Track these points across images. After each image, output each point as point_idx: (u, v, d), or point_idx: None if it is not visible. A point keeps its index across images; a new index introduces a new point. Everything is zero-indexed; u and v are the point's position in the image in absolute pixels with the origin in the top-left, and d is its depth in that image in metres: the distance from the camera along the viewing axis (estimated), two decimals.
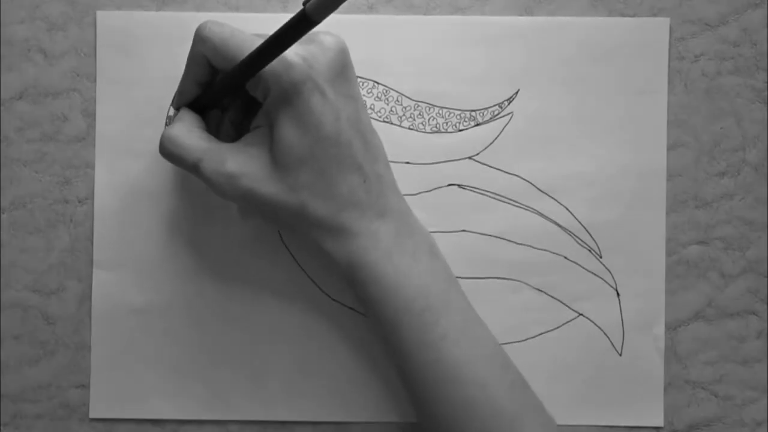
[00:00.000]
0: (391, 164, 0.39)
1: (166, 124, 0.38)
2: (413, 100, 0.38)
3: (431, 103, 0.38)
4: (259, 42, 0.30)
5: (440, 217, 0.39)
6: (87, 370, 0.39)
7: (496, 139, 0.39)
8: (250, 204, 0.33)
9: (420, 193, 0.39)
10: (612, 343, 0.39)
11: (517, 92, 0.39)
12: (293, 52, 0.31)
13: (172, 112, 0.38)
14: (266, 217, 0.35)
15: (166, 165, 0.38)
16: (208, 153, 0.32)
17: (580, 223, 0.39)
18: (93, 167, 0.39)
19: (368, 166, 0.33)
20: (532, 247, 0.39)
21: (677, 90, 0.39)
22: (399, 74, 0.38)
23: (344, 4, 0.38)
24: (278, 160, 0.32)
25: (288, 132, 0.31)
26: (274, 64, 0.31)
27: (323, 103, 0.31)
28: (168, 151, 0.33)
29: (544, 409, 0.35)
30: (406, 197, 0.38)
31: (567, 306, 0.39)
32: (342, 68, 0.32)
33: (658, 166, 0.39)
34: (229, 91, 0.33)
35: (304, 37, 0.29)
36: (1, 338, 0.39)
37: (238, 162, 0.32)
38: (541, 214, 0.39)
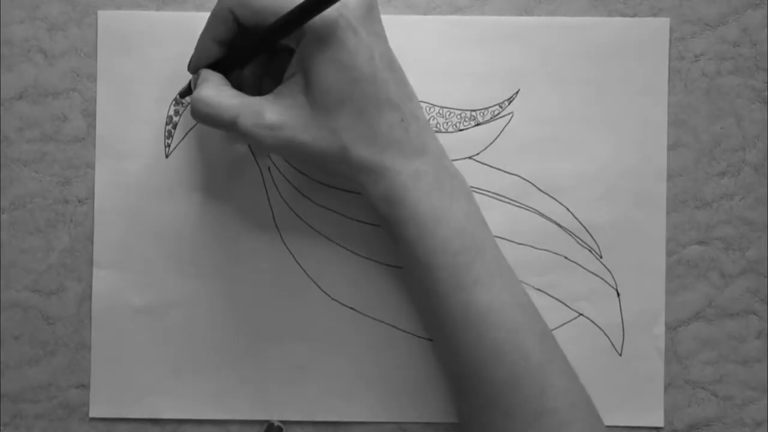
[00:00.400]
0: None
1: (186, 93, 0.37)
2: None
3: (431, 102, 0.38)
4: None
5: None
6: (87, 370, 0.39)
7: (496, 139, 0.39)
8: (292, 154, 0.33)
9: None
10: (612, 343, 0.39)
11: (517, 92, 0.39)
12: None
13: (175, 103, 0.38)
14: (307, 164, 0.34)
15: (166, 165, 0.38)
16: (244, 108, 0.32)
17: (580, 223, 0.39)
18: (93, 167, 0.39)
19: (404, 104, 0.33)
20: (532, 247, 0.39)
21: (677, 90, 0.39)
22: None
23: None
24: (317, 105, 0.32)
25: (325, 74, 0.31)
26: None
27: (357, 42, 0.31)
28: (202, 113, 0.33)
29: (569, 363, 0.34)
30: None
31: (567, 306, 0.39)
32: (370, 7, 0.32)
33: (658, 166, 0.39)
34: (264, 48, 0.33)
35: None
36: (1, 338, 0.39)
37: (277, 112, 0.32)
38: (542, 214, 0.39)
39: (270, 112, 0.32)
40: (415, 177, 0.33)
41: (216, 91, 0.33)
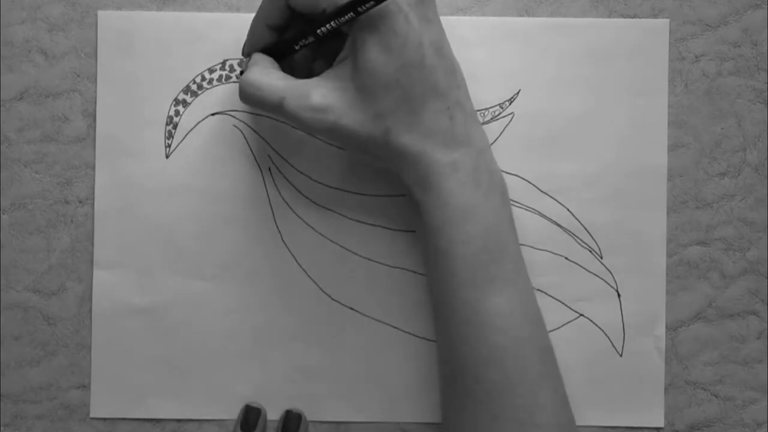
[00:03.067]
0: None
1: (238, 76, 0.38)
2: None
3: None
4: None
5: None
6: (87, 370, 0.39)
7: (497, 139, 0.39)
8: (335, 136, 0.33)
9: None
10: (612, 344, 0.39)
11: (518, 92, 0.39)
12: None
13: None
14: (350, 148, 0.34)
15: (166, 165, 0.38)
16: (290, 90, 0.33)
17: (580, 223, 0.39)
18: (93, 167, 0.39)
19: (452, 93, 0.33)
20: (533, 247, 0.39)
21: (678, 90, 0.39)
22: None
23: None
24: (363, 88, 0.32)
25: (373, 57, 0.31)
26: None
27: (407, 28, 0.31)
28: (249, 94, 0.33)
29: (564, 386, 0.34)
30: (406, 197, 0.38)
31: (568, 306, 0.39)
32: None
33: (659, 167, 0.39)
34: (316, 33, 0.33)
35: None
36: (1, 338, 0.39)
37: (322, 95, 0.32)
38: (542, 214, 0.39)
39: (316, 95, 0.32)
40: (452, 167, 0.33)
41: (263, 74, 0.33)
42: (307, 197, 0.39)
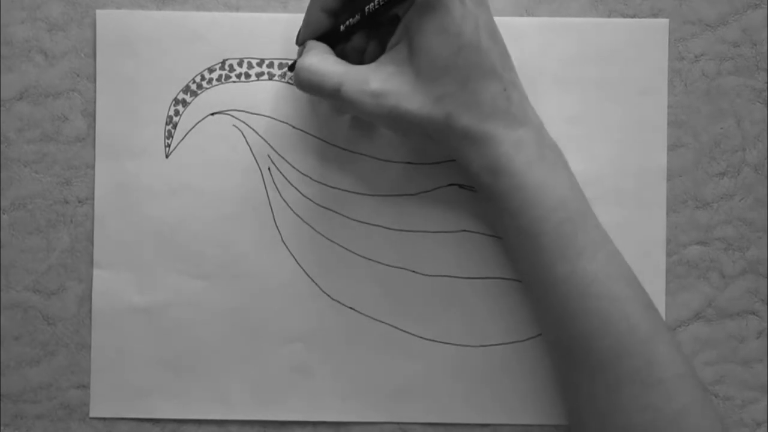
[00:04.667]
0: (392, 164, 0.39)
1: (294, 67, 0.38)
2: None
3: None
4: None
5: (440, 217, 0.39)
6: (87, 370, 0.39)
7: None
8: (395, 121, 0.33)
9: (420, 193, 0.39)
10: None
11: None
12: None
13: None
14: (409, 133, 0.34)
15: (166, 165, 0.38)
16: (348, 75, 0.33)
17: None
18: (93, 167, 0.39)
19: (507, 74, 0.33)
20: None
21: (677, 90, 0.39)
22: None
23: None
24: (421, 72, 0.32)
25: (430, 41, 0.32)
26: None
27: (463, 11, 0.31)
28: (306, 80, 0.33)
29: (673, 334, 0.34)
30: (406, 197, 0.38)
31: None
32: None
33: (658, 166, 0.39)
34: (372, 19, 0.33)
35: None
36: (1, 338, 0.39)
37: (381, 80, 0.32)
38: None
39: (374, 80, 0.32)
40: (517, 146, 0.33)
41: (320, 59, 0.33)
42: (307, 197, 0.39)
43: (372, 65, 0.33)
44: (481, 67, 0.32)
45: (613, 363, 0.32)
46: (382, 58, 0.33)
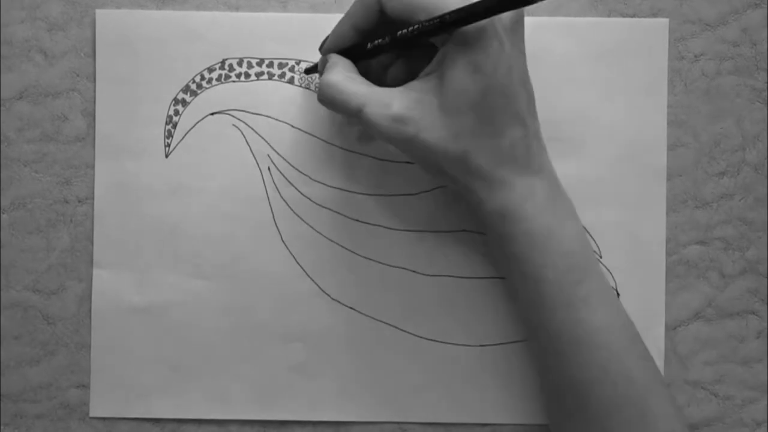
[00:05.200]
0: (392, 164, 0.39)
1: (311, 71, 0.38)
2: None
3: None
4: None
5: (440, 217, 0.39)
6: (87, 370, 0.39)
7: None
8: (412, 150, 0.33)
9: (420, 193, 0.39)
10: None
11: None
12: None
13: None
14: (424, 163, 0.34)
15: (166, 165, 0.38)
16: (372, 97, 0.32)
17: None
18: (93, 167, 0.39)
19: (530, 122, 0.33)
20: None
21: (677, 90, 0.39)
22: None
23: (344, 4, 0.39)
24: (446, 105, 0.32)
25: (463, 75, 0.31)
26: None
27: (500, 52, 0.31)
28: (330, 97, 0.33)
29: (668, 387, 0.35)
30: (406, 197, 0.38)
31: None
32: (519, 22, 0.32)
33: (658, 166, 0.39)
34: (405, 44, 0.33)
35: None
36: (1, 338, 0.39)
37: (404, 106, 0.32)
38: None
39: (398, 105, 0.32)
40: (530, 193, 0.33)
41: (345, 77, 0.33)
42: (306, 197, 0.39)
43: (398, 89, 0.33)
44: (506, 111, 0.32)
45: (608, 413, 0.32)
46: (411, 84, 0.33)
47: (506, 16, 0.31)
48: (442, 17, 0.31)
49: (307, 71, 0.38)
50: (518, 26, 0.32)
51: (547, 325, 0.33)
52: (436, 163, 0.33)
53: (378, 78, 0.35)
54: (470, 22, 0.30)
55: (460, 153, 0.32)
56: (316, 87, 0.38)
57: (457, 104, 0.32)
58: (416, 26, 0.32)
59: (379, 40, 0.33)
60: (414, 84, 0.33)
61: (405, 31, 0.32)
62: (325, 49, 0.35)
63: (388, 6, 0.32)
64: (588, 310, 0.33)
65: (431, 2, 0.31)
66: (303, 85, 0.39)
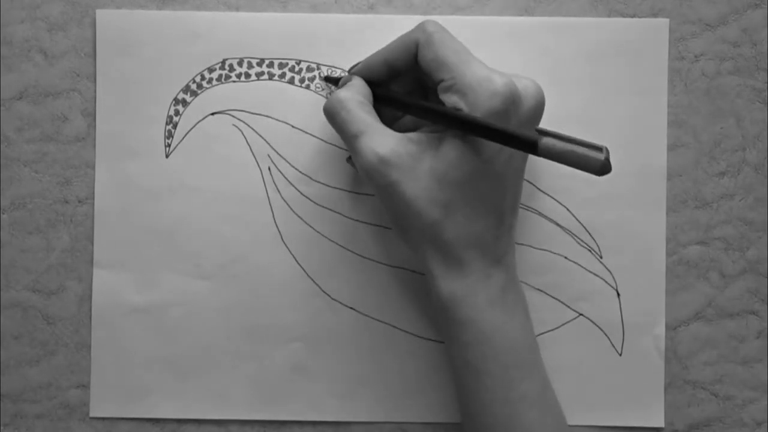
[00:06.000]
0: None
1: (330, 80, 0.38)
2: None
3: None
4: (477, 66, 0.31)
5: None
6: (87, 370, 0.39)
7: None
8: (387, 197, 0.32)
9: None
10: (612, 344, 0.39)
11: None
12: (503, 83, 0.30)
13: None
14: (392, 214, 0.34)
15: (166, 165, 0.38)
16: (371, 129, 0.32)
17: (580, 223, 0.39)
18: (93, 167, 0.39)
19: (507, 217, 0.33)
20: (532, 247, 0.39)
21: (677, 90, 0.39)
22: None
23: (344, 4, 0.39)
24: (436, 171, 0.32)
25: (461, 152, 0.31)
26: (483, 85, 0.30)
27: (502, 146, 0.31)
28: (334, 111, 0.33)
29: None
30: None
31: (567, 306, 0.39)
32: (535, 119, 0.32)
33: (658, 166, 0.39)
34: (423, 115, 0.33)
35: (511, 72, 0.31)
36: (1, 338, 0.39)
37: (397, 153, 0.32)
38: (541, 214, 0.39)
39: (391, 147, 0.32)
40: (485, 282, 0.33)
41: (357, 99, 0.33)
42: (307, 197, 0.39)
43: (398, 134, 0.33)
44: (491, 200, 0.32)
45: None
46: (411, 135, 0.33)
47: (522, 110, 0.31)
48: (463, 116, 0.31)
49: (327, 79, 0.38)
50: (536, 118, 0.32)
51: (481, 414, 0.33)
52: (405, 219, 0.33)
53: (388, 121, 0.35)
54: (486, 137, 0.30)
55: (432, 221, 0.32)
56: (316, 88, 0.38)
57: (445, 175, 0.31)
58: (435, 106, 0.32)
59: (399, 92, 0.34)
60: (414, 136, 0.33)
61: (423, 103, 0.33)
62: (354, 71, 0.35)
63: (422, 51, 0.32)
64: (524, 407, 0.33)
65: (457, 70, 0.31)
66: (303, 85, 0.39)
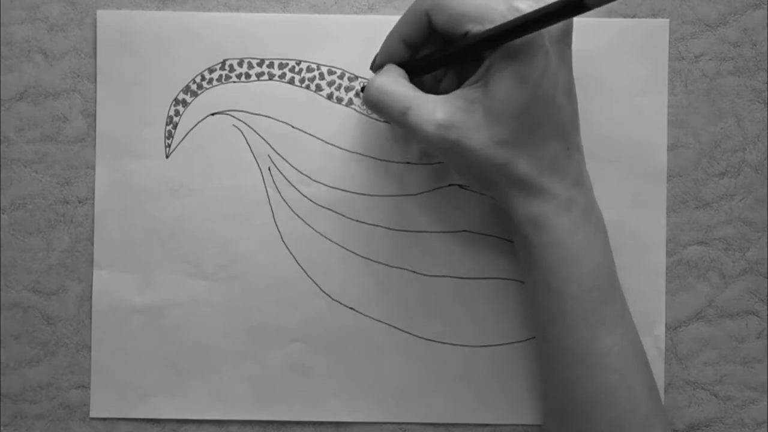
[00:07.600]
0: (392, 164, 0.39)
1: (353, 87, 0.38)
2: None
3: None
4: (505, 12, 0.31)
5: (440, 217, 0.39)
6: (87, 370, 0.39)
7: None
8: (454, 156, 0.33)
9: (420, 193, 0.39)
10: None
11: None
12: (527, 5, 0.30)
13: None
14: (463, 170, 0.34)
15: (166, 165, 0.38)
16: (417, 101, 0.32)
17: None
18: (93, 167, 0.39)
19: (572, 134, 0.33)
20: None
21: (677, 90, 0.39)
22: None
23: (344, 4, 0.39)
24: (491, 114, 0.32)
25: (508, 85, 0.31)
26: (512, 12, 0.30)
27: (546, 63, 0.31)
28: (375, 99, 0.33)
29: (670, 426, 0.35)
30: (406, 197, 0.38)
31: None
32: (567, 34, 0.32)
33: (658, 166, 0.39)
34: (458, 59, 0.33)
35: None
36: (1, 338, 0.39)
37: (449, 112, 0.32)
38: None
39: (442, 111, 0.32)
40: (567, 205, 0.33)
41: (392, 81, 0.33)
42: (307, 197, 0.39)
43: (442, 96, 0.33)
44: (549, 122, 0.32)
45: None
46: (456, 92, 0.33)
47: (555, 27, 0.31)
48: (489, 32, 0.30)
49: (363, 89, 0.37)
50: (566, 37, 0.32)
51: (561, 339, 0.33)
52: (478, 169, 0.33)
53: (431, 91, 0.35)
54: (518, 37, 0.30)
55: (503, 161, 0.32)
56: (316, 88, 0.38)
57: (501, 113, 0.31)
58: (464, 41, 0.31)
59: (427, 52, 0.33)
60: (459, 92, 0.33)
61: (452, 48, 0.32)
62: (377, 65, 0.35)
63: (435, 17, 0.32)
64: (605, 331, 0.33)
65: (478, 12, 0.31)
66: (303, 85, 0.39)
